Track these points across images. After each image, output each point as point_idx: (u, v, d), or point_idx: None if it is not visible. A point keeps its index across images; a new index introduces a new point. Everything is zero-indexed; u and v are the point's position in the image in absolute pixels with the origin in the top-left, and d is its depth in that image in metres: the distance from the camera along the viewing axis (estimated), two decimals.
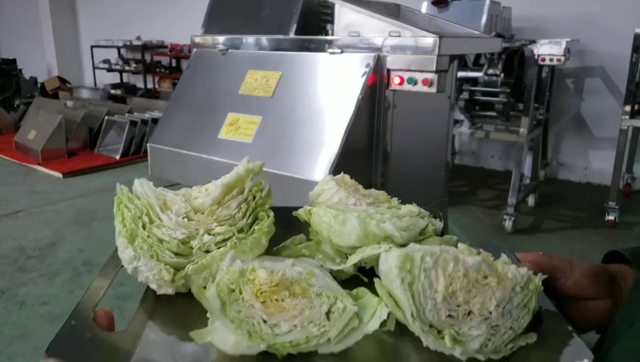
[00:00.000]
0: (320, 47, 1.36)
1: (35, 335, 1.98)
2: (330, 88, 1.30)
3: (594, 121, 3.91)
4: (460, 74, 2.95)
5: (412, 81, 1.23)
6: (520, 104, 3.05)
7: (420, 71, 1.22)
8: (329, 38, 1.36)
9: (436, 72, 1.19)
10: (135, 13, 7.53)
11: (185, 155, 1.48)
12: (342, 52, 1.32)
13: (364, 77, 1.25)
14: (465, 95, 3.09)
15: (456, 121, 3.28)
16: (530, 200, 3.49)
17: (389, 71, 1.27)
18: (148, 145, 1.59)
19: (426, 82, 1.21)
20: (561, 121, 3.99)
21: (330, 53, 1.33)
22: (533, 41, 2.87)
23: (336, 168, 1.19)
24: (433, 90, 1.21)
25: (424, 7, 3.28)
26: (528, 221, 3.23)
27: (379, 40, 1.27)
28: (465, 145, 4.56)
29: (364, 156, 1.32)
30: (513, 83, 3.02)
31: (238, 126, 1.41)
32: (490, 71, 2.97)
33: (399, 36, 1.25)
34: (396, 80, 1.26)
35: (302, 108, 1.32)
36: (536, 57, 2.80)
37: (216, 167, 1.40)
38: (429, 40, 1.19)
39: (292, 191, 1.24)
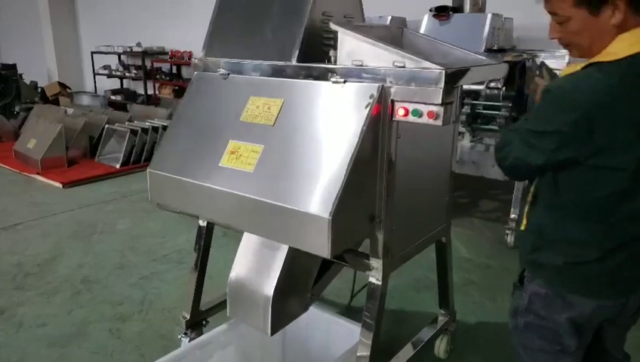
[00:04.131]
0: (322, 76, 1.33)
1: (33, 360, 1.96)
2: (333, 118, 1.28)
3: None
4: None
5: (417, 113, 1.21)
6: None
7: (426, 103, 1.19)
8: (332, 66, 1.33)
9: (442, 104, 1.17)
10: (135, 19, 7.52)
11: (185, 183, 1.45)
12: (345, 82, 1.29)
13: (368, 108, 1.22)
14: (466, 109, 3.06)
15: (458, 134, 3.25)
16: None
17: (393, 102, 1.24)
18: (147, 170, 1.56)
19: (431, 115, 1.19)
20: None
21: (334, 82, 1.30)
22: (536, 55, 2.85)
23: (341, 201, 1.17)
24: (439, 123, 1.19)
25: (425, 20, 3.26)
26: None
27: (383, 70, 1.24)
28: (465, 154, 4.53)
29: (369, 188, 1.29)
30: (515, 95, 3.00)
31: (239, 154, 1.39)
32: (492, 84, 2.95)
33: (404, 67, 1.23)
34: (400, 111, 1.23)
35: (304, 139, 1.30)
36: (537, 72, 2.77)
37: (217, 196, 1.38)
38: (434, 72, 1.15)
39: (293, 224, 1.22)
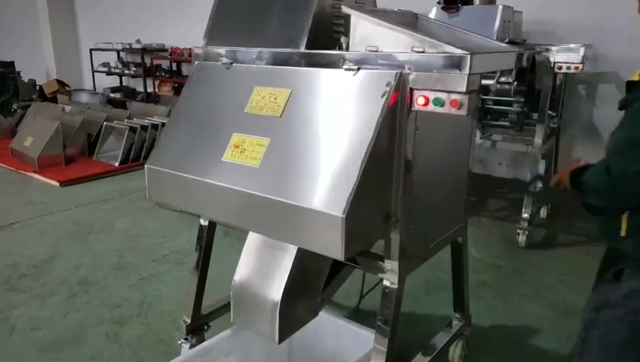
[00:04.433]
0: (334, 63, 1.23)
1: None
2: (346, 108, 1.18)
3: (607, 128, 3.76)
4: None
5: (439, 102, 1.11)
6: (534, 113, 2.93)
7: (448, 91, 1.10)
8: (344, 53, 1.23)
9: (467, 92, 1.07)
10: (135, 16, 7.41)
11: (185, 179, 1.35)
12: (359, 69, 1.19)
13: (385, 97, 1.12)
14: None
15: None
16: (543, 212, 3.37)
17: (412, 90, 1.14)
18: (145, 166, 1.47)
19: (455, 104, 1.09)
20: (573, 128, 3.87)
21: (346, 70, 1.20)
22: (547, 49, 2.75)
23: (355, 199, 1.07)
24: (463, 112, 1.09)
25: (433, 12, 3.16)
26: (541, 234, 3.11)
27: (400, 56, 1.14)
28: None
29: (385, 184, 1.20)
30: (526, 90, 2.89)
31: (243, 148, 1.29)
32: (503, 79, 2.83)
33: (423, 52, 1.13)
34: (420, 100, 1.13)
35: (314, 131, 1.20)
36: (552, 65, 2.68)
37: (219, 193, 1.28)
38: (459, 56, 1.06)
39: (303, 224, 1.12)
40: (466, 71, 1.06)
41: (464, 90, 1.07)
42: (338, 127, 1.17)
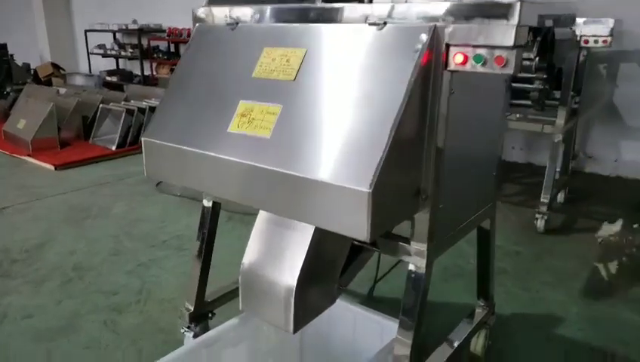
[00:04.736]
0: (356, 17, 1.08)
1: (16, 357, 1.74)
2: (370, 69, 1.03)
3: (628, 109, 3.62)
4: None
5: (480, 60, 0.96)
6: (556, 92, 2.76)
7: (492, 47, 0.94)
8: (367, 5, 1.08)
9: (514, 47, 0.92)
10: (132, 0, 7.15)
11: (187, 153, 1.21)
12: (385, 23, 1.04)
13: (417, 55, 0.97)
14: None
15: None
16: (560, 196, 3.24)
17: (448, 46, 0.99)
18: (142, 139, 1.32)
19: (500, 61, 0.94)
20: (591, 110, 3.71)
21: (370, 25, 1.05)
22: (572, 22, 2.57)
23: (383, 171, 0.93)
24: (509, 70, 0.95)
25: None
26: (560, 219, 2.98)
27: (434, 6, 0.99)
28: None
29: (415, 155, 1.05)
30: (547, 67, 2.72)
31: (252, 117, 1.14)
32: (524, 55, 2.66)
33: (461, 1, 0.97)
34: (458, 58, 0.98)
35: (334, 95, 1.05)
36: (578, 38, 2.50)
37: (225, 168, 1.14)
38: (506, 4, 0.91)
39: (322, 200, 0.98)
40: (515, 21, 0.91)
41: (511, 43, 0.92)
42: (361, 91, 1.02)
